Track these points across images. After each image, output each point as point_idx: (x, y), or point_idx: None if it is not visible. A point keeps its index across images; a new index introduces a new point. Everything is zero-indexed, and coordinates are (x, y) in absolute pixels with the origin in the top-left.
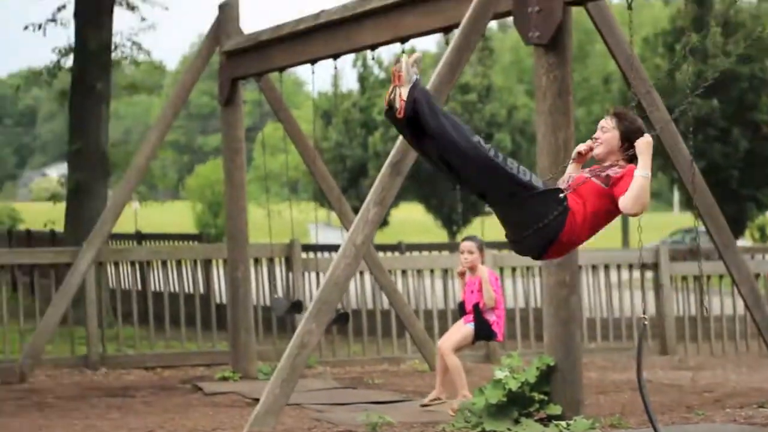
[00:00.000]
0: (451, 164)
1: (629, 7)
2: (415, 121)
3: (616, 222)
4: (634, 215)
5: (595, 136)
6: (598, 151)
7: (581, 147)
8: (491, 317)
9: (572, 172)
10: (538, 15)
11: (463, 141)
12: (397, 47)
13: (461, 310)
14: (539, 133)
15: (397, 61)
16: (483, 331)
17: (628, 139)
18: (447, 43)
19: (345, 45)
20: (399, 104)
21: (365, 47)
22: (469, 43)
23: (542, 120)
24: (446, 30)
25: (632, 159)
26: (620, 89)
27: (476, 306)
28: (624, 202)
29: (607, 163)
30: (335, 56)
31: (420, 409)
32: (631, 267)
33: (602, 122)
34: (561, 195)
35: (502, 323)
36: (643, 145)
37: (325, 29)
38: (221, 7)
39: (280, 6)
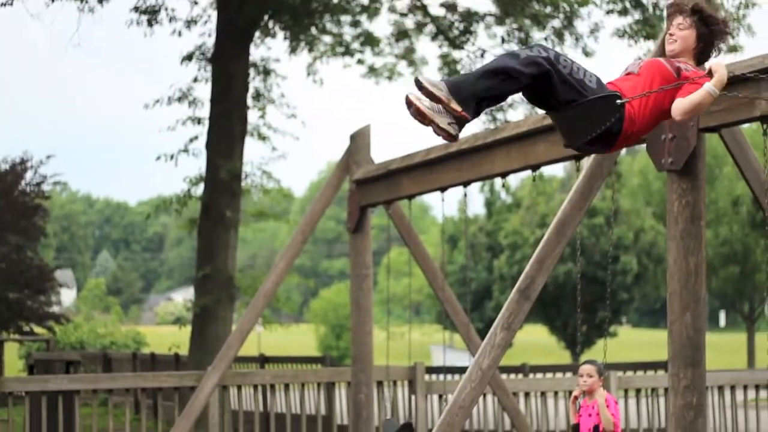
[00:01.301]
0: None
1: (764, 133)
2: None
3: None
4: (680, 119)
5: (670, 32)
6: (673, 47)
7: None
8: None
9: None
10: (672, 142)
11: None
12: (527, 173)
13: None
14: (670, 257)
15: (409, 104)
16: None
17: (704, 40)
18: (578, 169)
19: (474, 173)
20: (450, 132)
21: (495, 175)
22: (602, 171)
23: (674, 245)
24: (578, 158)
25: (701, 62)
26: (749, 211)
27: (596, 428)
28: (679, 104)
29: (681, 59)
30: (465, 184)
31: None
32: (758, 387)
33: (678, 19)
34: (619, 102)
35: None
36: (720, 67)
37: (456, 158)
38: (353, 137)
39: (406, 137)
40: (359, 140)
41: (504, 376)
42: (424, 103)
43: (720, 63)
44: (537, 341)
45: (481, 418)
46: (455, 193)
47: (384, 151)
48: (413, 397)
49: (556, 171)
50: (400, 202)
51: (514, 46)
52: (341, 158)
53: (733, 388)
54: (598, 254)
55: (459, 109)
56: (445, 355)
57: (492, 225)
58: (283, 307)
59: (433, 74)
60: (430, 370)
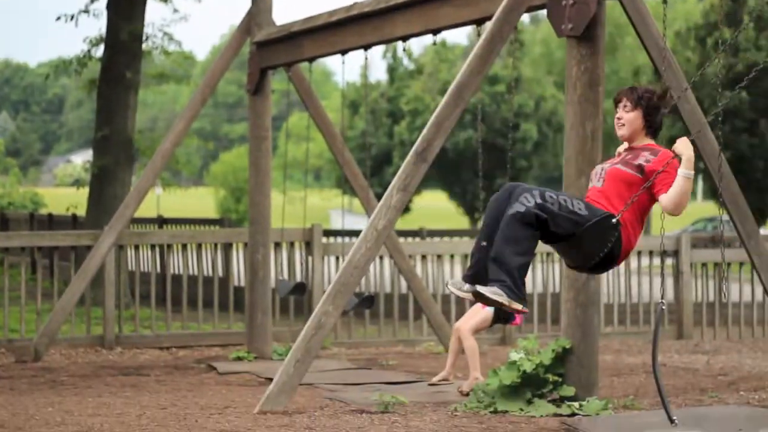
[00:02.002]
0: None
1: (664, 1)
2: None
3: None
4: (676, 215)
5: (617, 116)
6: (622, 132)
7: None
8: None
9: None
10: (572, 7)
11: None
12: (428, 38)
13: None
14: (567, 123)
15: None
16: (502, 315)
17: (649, 114)
18: (479, 35)
19: (376, 36)
20: (521, 310)
21: (396, 39)
22: (502, 35)
23: (571, 110)
24: (479, 22)
25: (656, 134)
26: (650, 81)
27: None
28: (666, 202)
29: (636, 144)
30: (366, 47)
31: (431, 389)
32: (651, 254)
33: (622, 102)
34: (614, 220)
35: None
36: (683, 145)
37: (357, 21)
38: None
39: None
40: (261, 2)
41: (401, 240)
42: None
43: (684, 143)
44: (436, 207)
45: (378, 280)
46: (357, 57)
47: (286, 13)
48: (310, 259)
49: (459, 39)
50: (302, 65)
51: None
52: (242, 20)
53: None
54: (498, 122)
55: (520, 307)
56: (343, 218)
57: (394, 91)
58: (183, 169)
59: None
60: (328, 233)
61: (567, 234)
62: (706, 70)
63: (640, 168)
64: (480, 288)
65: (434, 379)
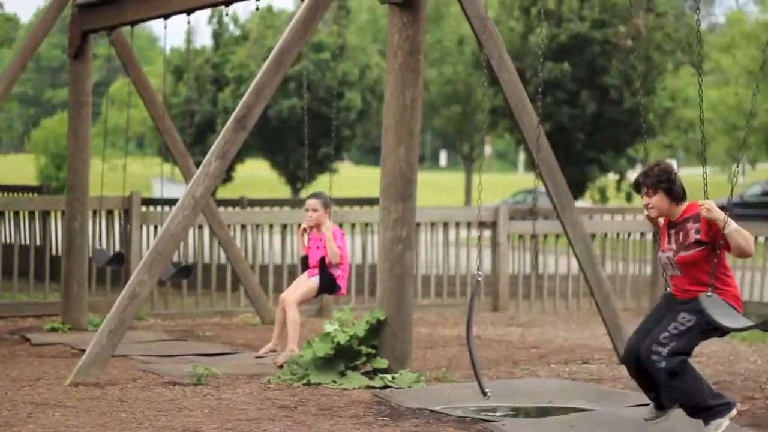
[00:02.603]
0: None
1: None
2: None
3: (460, 181)
4: (749, 257)
5: (645, 203)
6: (654, 215)
7: None
8: (336, 271)
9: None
10: None
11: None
12: (252, 4)
13: (304, 265)
14: (387, 91)
15: None
16: (327, 285)
17: (670, 191)
18: (301, 1)
19: (199, 1)
20: None
21: (220, 3)
22: (325, 1)
23: (392, 78)
24: None
25: (684, 197)
26: (473, 51)
27: (322, 260)
28: (736, 256)
29: (674, 217)
30: (189, 11)
31: (248, 361)
32: (469, 225)
33: (644, 190)
34: (708, 293)
35: (346, 277)
36: (706, 212)
37: None
38: None
39: None
40: None
41: (222, 209)
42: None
43: (707, 212)
44: (259, 176)
45: (198, 250)
46: (183, 23)
47: None
48: (128, 227)
49: (286, 4)
50: (124, 30)
51: None
52: None
53: (446, 225)
54: (323, 90)
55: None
56: (162, 187)
57: (219, 57)
58: (3, 135)
59: None
60: (147, 201)
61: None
62: (529, 40)
63: (698, 242)
64: None
65: (261, 351)
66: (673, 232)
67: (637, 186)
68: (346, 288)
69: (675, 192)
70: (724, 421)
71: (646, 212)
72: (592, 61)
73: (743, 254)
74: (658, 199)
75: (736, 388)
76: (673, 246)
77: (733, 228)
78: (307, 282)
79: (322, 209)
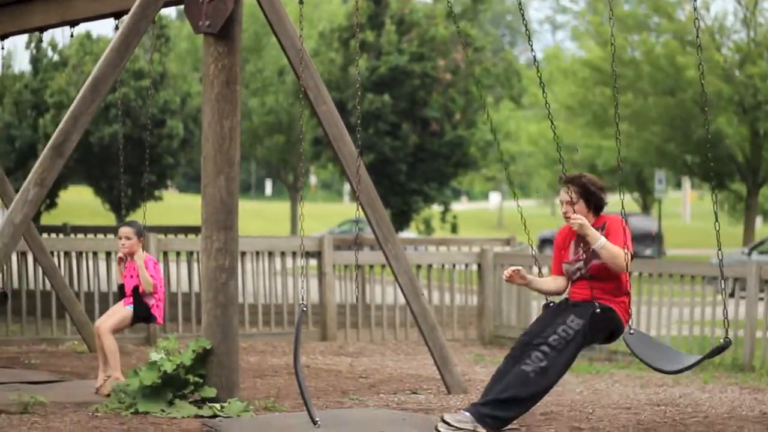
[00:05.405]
0: None
1: (300, 1)
2: None
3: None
4: (621, 272)
5: (563, 210)
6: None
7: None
8: (150, 301)
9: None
10: (210, 5)
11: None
12: (76, 30)
13: (121, 293)
14: (205, 120)
15: None
16: (142, 314)
17: (590, 200)
18: (117, 28)
19: (12, 26)
20: None
21: (33, 29)
22: (139, 30)
23: (209, 107)
24: (117, 15)
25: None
26: (293, 81)
27: (135, 289)
28: (611, 268)
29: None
30: (2, 37)
31: (76, 390)
32: (294, 254)
33: (562, 195)
34: (597, 310)
35: (161, 306)
36: (578, 227)
37: None
38: None
39: None
40: None
41: (45, 236)
42: None
43: (576, 226)
44: (83, 202)
45: (22, 277)
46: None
47: None
48: None
49: (106, 31)
50: None
51: None
52: None
53: (271, 254)
54: (144, 117)
55: None
56: None
57: (38, 83)
58: None
59: None
60: None
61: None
62: (349, 71)
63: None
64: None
65: (97, 384)
66: (582, 242)
67: (563, 180)
68: (162, 317)
69: (596, 204)
70: (476, 427)
71: (563, 208)
72: (413, 93)
73: (615, 269)
74: (580, 207)
75: (564, 419)
76: (583, 255)
77: (599, 245)
78: (122, 310)
79: (135, 237)
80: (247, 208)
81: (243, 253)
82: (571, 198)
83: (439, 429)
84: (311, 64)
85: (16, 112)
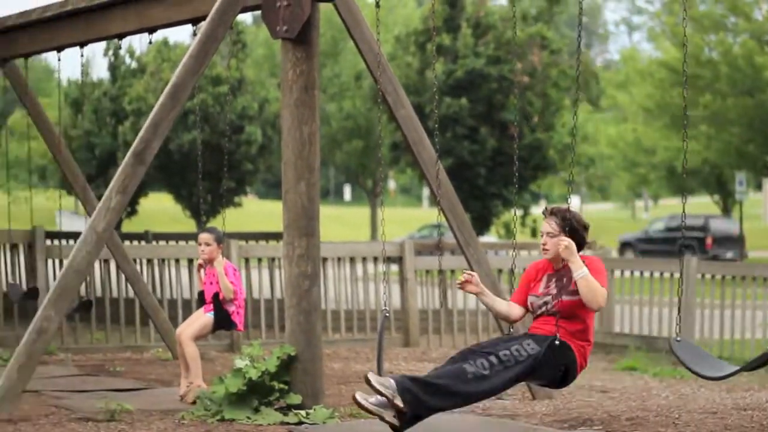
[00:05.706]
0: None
1: (377, 5)
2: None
3: (365, 215)
4: (598, 308)
5: (542, 242)
6: (549, 256)
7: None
8: (231, 307)
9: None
10: (287, 9)
11: (475, 387)
12: (152, 37)
13: (201, 300)
14: (284, 126)
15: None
16: (222, 321)
17: (575, 237)
18: (195, 34)
19: (91, 33)
20: (394, 424)
21: (112, 36)
22: (217, 36)
23: (288, 113)
24: (194, 22)
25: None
26: (371, 86)
27: (215, 296)
28: (586, 302)
29: (563, 266)
30: (82, 44)
31: (161, 397)
32: (376, 260)
33: (545, 226)
34: (557, 342)
35: (242, 313)
36: (563, 249)
37: (72, 17)
38: None
39: None
40: None
41: (127, 243)
42: (370, 401)
43: (568, 249)
44: (163, 209)
45: (105, 285)
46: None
47: (7, 3)
48: (33, 262)
49: (183, 37)
50: (19, 62)
51: None
52: None
53: (352, 260)
54: (222, 123)
55: (401, 406)
56: (61, 220)
57: (116, 90)
58: None
59: None
60: (52, 235)
61: (527, 375)
62: (426, 75)
63: (573, 292)
64: (371, 375)
65: (181, 392)
66: (555, 278)
67: (547, 212)
68: (243, 324)
69: (579, 241)
70: (395, 398)
71: (542, 239)
72: (490, 96)
73: (590, 304)
74: (558, 242)
75: (650, 423)
76: (554, 290)
77: (581, 273)
78: (202, 317)
79: (215, 244)
80: (326, 214)
81: (324, 259)
82: (555, 230)
83: (368, 377)
84: (389, 68)
85: (96, 120)
